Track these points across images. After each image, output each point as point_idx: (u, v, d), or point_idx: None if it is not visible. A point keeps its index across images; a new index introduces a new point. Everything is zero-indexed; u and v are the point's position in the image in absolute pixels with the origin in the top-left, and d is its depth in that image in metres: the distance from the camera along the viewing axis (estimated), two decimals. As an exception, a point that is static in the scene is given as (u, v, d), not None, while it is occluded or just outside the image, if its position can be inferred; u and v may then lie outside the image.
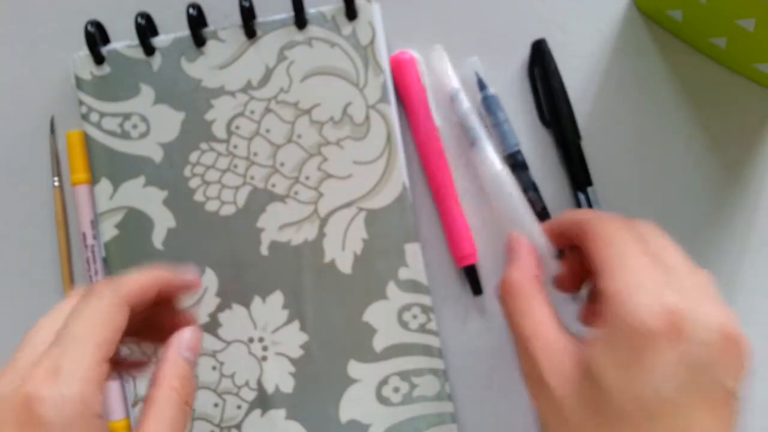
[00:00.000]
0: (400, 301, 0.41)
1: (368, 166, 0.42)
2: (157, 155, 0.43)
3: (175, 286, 0.35)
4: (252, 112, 0.42)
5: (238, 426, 0.42)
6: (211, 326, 0.42)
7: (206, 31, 0.43)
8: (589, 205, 0.42)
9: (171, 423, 0.30)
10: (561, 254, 0.37)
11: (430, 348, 0.41)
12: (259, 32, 0.43)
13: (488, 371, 0.42)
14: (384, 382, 0.41)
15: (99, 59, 0.43)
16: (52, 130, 0.45)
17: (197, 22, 0.42)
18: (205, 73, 0.43)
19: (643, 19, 0.43)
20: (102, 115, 0.43)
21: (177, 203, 0.42)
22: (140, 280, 0.33)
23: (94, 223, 0.43)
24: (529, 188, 0.42)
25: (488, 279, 0.42)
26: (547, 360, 0.29)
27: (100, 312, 0.30)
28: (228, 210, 0.42)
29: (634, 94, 0.43)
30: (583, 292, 0.36)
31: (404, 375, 0.41)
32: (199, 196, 0.42)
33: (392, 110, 0.42)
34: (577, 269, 0.35)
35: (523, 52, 0.43)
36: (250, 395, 0.42)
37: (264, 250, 0.42)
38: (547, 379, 0.29)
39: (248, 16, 0.42)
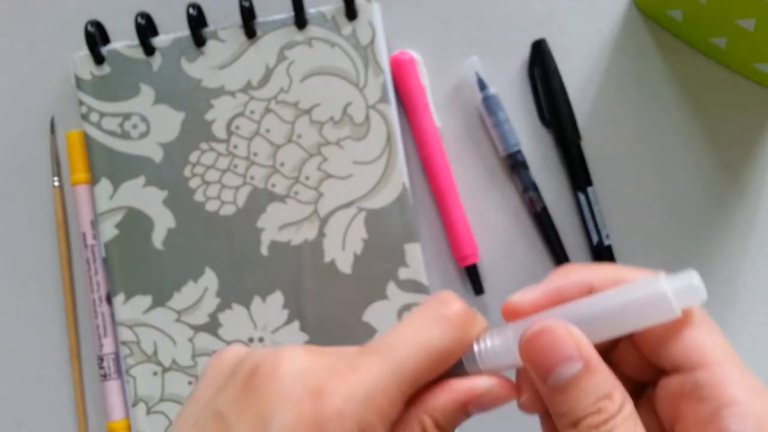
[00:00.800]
0: (400, 301, 0.41)
1: (368, 166, 0.42)
2: (157, 155, 0.43)
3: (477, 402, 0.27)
4: (252, 112, 0.42)
5: (238, 426, 0.42)
6: (211, 326, 0.42)
7: (206, 31, 0.43)
8: (589, 205, 0.42)
9: None
10: None
11: (430, 348, 0.41)
12: (259, 32, 0.43)
13: (488, 371, 0.42)
14: (384, 382, 0.41)
15: (99, 59, 0.43)
16: (52, 130, 0.45)
17: (197, 22, 0.42)
18: (205, 73, 0.43)
19: (643, 19, 0.43)
20: (102, 115, 0.43)
21: (177, 203, 0.42)
22: (448, 394, 0.26)
23: (94, 223, 0.43)
24: (529, 188, 0.42)
25: (489, 279, 0.42)
26: None
27: (437, 344, 0.25)
28: (228, 210, 0.42)
29: (634, 94, 0.43)
30: None
31: (404, 375, 0.41)
32: (199, 196, 0.42)
33: (392, 110, 0.42)
34: None
35: (523, 52, 0.43)
36: (250, 395, 0.42)
37: (264, 250, 0.42)
38: None
39: (248, 16, 0.42)
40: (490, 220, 0.43)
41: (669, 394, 0.24)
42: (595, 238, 0.42)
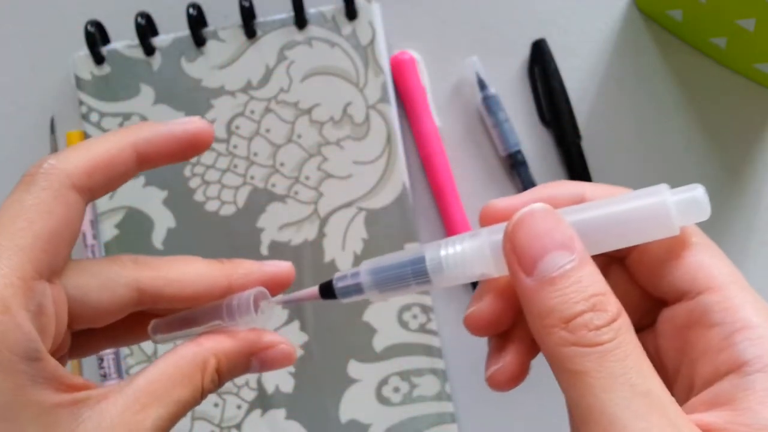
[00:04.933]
0: (400, 301, 0.41)
1: (368, 166, 0.42)
2: (157, 155, 0.43)
3: (167, 145, 0.24)
4: (252, 112, 0.42)
5: (238, 426, 0.42)
6: (211, 326, 0.42)
7: (206, 31, 0.43)
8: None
9: (173, 385, 0.22)
10: None
11: (430, 348, 0.41)
12: (259, 32, 0.43)
13: (488, 371, 0.42)
14: (384, 382, 0.41)
15: (99, 59, 0.43)
16: (52, 130, 0.45)
17: (197, 22, 0.42)
18: (205, 73, 0.43)
19: (643, 19, 0.43)
20: (102, 115, 0.43)
21: (177, 203, 0.42)
22: (96, 148, 0.23)
23: (94, 223, 0.43)
24: (529, 188, 0.42)
25: (488, 279, 0.42)
26: None
27: (28, 204, 0.22)
28: (228, 210, 0.42)
29: (634, 94, 0.43)
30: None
31: (404, 375, 0.41)
32: (199, 196, 0.42)
33: (392, 110, 0.42)
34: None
35: (523, 52, 0.43)
36: (250, 395, 0.42)
37: (264, 250, 0.42)
38: None
39: (248, 16, 0.42)
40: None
41: (673, 327, 0.22)
42: (595, 238, 0.42)
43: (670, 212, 0.21)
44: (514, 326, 0.24)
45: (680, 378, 0.22)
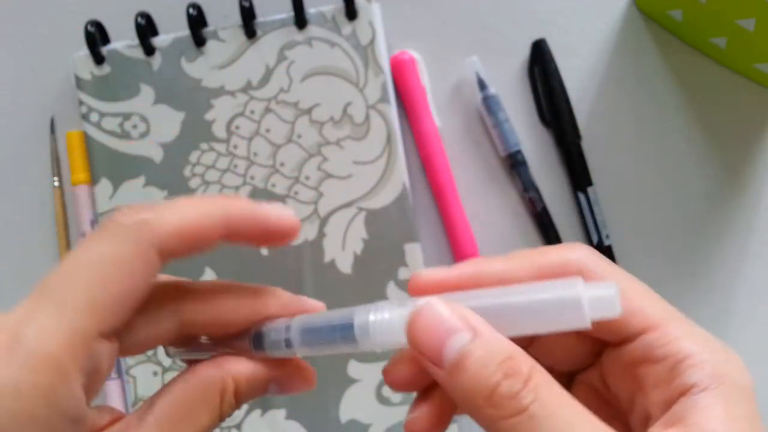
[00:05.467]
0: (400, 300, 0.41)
1: (368, 166, 0.42)
2: (157, 155, 0.43)
3: (256, 231, 0.24)
4: (252, 112, 0.42)
5: (238, 426, 0.42)
6: (211, 326, 0.42)
7: (206, 31, 0.43)
8: (589, 205, 0.42)
9: (189, 411, 0.22)
10: None
11: (430, 348, 0.41)
12: (259, 32, 0.43)
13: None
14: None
15: (99, 59, 0.43)
16: (52, 130, 0.45)
17: (197, 22, 0.42)
18: (205, 73, 0.43)
19: (643, 19, 0.43)
20: (102, 115, 0.43)
21: (177, 203, 0.42)
22: (191, 214, 0.22)
23: (94, 223, 0.43)
24: (529, 188, 0.42)
25: (488, 279, 0.42)
26: None
27: (109, 256, 0.20)
28: (228, 210, 0.42)
29: (634, 94, 0.43)
30: None
31: (404, 375, 0.41)
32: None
33: (392, 110, 0.42)
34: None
35: (523, 52, 0.43)
36: (250, 395, 0.42)
37: (264, 250, 0.42)
38: None
39: (248, 16, 0.42)
40: (490, 220, 0.43)
41: (620, 365, 0.24)
42: (595, 238, 0.42)
43: (583, 309, 0.22)
44: (434, 384, 0.24)
45: (636, 407, 0.23)
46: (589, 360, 0.25)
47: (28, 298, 0.20)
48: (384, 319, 0.24)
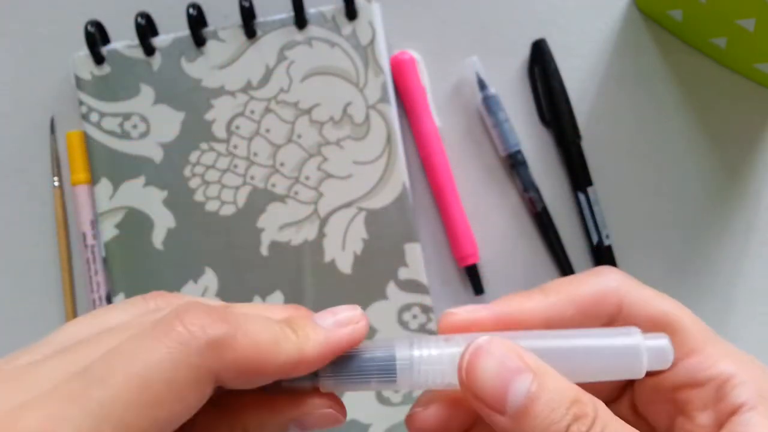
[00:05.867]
0: (400, 301, 0.41)
1: (368, 166, 0.42)
2: (157, 155, 0.43)
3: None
4: (252, 112, 0.42)
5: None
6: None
7: (206, 31, 0.43)
8: (589, 205, 0.42)
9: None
10: None
11: (430, 348, 0.41)
12: (259, 32, 0.43)
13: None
14: (384, 382, 0.41)
15: (99, 59, 0.43)
16: (52, 130, 0.45)
17: (197, 22, 0.42)
18: (205, 73, 0.43)
19: (643, 19, 0.43)
20: (102, 115, 0.43)
21: (177, 203, 0.42)
22: (264, 346, 0.20)
23: (94, 223, 0.43)
24: (530, 188, 0.42)
25: (489, 279, 0.42)
26: None
27: (164, 376, 0.18)
28: (228, 210, 0.42)
29: (634, 94, 0.43)
30: None
31: (404, 375, 0.41)
32: (199, 196, 0.42)
33: (392, 110, 0.42)
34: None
35: (523, 52, 0.43)
36: (250, 395, 0.42)
37: (264, 250, 0.42)
38: None
39: (248, 16, 0.42)
40: (490, 220, 0.43)
41: (659, 391, 0.24)
42: (595, 238, 0.42)
43: (642, 361, 0.22)
44: None
45: (677, 431, 0.24)
46: (616, 393, 0.26)
47: (60, 387, 0.17)
48: (431, 356, 0.21)
